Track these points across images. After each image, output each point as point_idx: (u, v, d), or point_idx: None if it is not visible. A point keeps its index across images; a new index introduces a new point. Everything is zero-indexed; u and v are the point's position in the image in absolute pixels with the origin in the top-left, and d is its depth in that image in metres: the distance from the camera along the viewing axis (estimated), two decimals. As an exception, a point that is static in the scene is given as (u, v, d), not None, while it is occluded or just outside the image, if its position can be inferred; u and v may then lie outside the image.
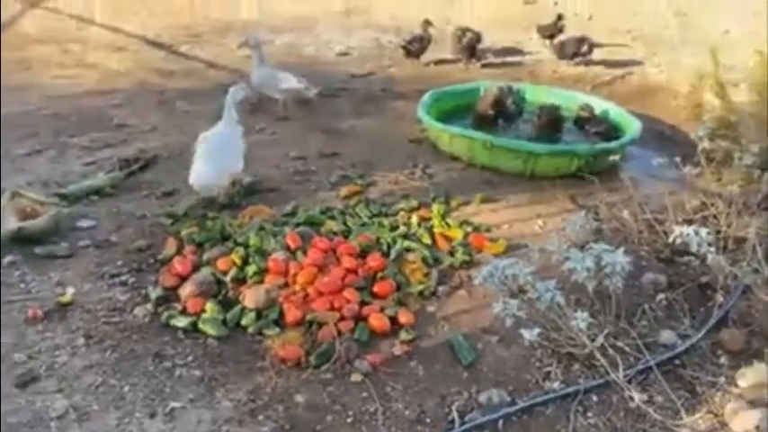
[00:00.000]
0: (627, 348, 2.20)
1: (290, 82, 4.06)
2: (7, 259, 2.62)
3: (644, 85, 4.77)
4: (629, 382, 2.04)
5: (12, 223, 2.74)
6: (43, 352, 2.17)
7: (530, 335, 2.00)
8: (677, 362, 2.20)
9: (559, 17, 5.33)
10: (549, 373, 2.16)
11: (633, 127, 3.60)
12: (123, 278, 2.55)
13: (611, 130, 3.72)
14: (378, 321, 2.32)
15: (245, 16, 6.31)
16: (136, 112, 4.22)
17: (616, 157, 3.25)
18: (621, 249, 2.11)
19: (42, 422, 1.90)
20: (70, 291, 2.45)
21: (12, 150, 3.58)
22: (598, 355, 2.05)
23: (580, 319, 1.98)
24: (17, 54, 5.13)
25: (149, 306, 2.38)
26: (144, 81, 4.77)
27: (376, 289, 2.48)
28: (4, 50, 5.16)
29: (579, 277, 2.09)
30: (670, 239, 2.31)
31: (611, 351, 2.08)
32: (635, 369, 2.11)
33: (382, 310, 2.37)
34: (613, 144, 3.49)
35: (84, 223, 2.92)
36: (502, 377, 2.14)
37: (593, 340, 2.08)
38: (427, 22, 5.13)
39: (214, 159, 2.93)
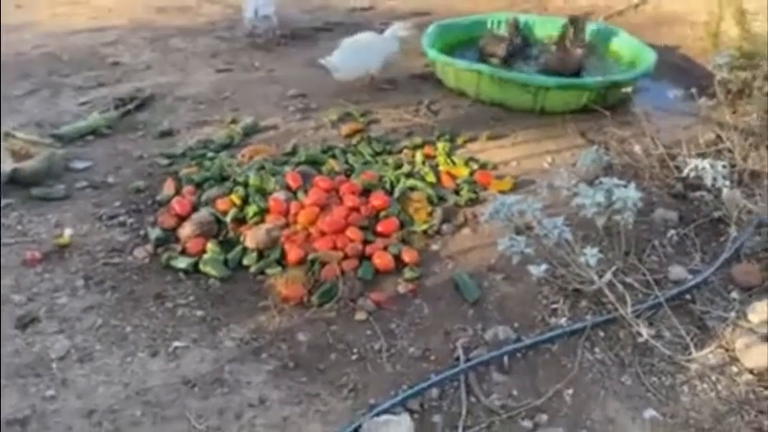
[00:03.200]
0: (636, 284, 2.16)
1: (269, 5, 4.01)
2: (3, 201, 2.57)
3: (658, 15, 4.56)
4: (638, 317, 2.01)
5: (7, 165, 2.67)
6: (42, 294, 2.14)
7: (537, 271, 1.95)
8: (687, 297, 2.16)
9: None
10: (555, 309, 2.12)
11: (647, 58, 3.45)
12: (122, 219, 2.50)
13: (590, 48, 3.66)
14: (381, 260, 2.28)
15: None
16: (129, 50, 4.08)
17: (628, 90, 3.12)
18: (633, 184, 2.03)
19: (44, 363, 1.89)
20: (68, 232, 2.40)
21: (5, 91, 3.48)
22: (606, 291, 2.01)
23: (589, 255, 1.92)
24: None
25: (149, 247, 2.34)
26: (137, 18, 4.59)
27: (379, 228, 2.43)
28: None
29: (588, 213, 2.01)
30: (683, 173, 2.23)
31: (619, 287, 2.04)
32: (644, 305, 2.07)
33: (386, 248, 2.33)
34: (624, 76, 3.35)
35: (80, 164, 2.85)
36: (507, 314, 2.11)
37: (601, 277, 2.03)
38: None
39: (357, 52, 3.40)
